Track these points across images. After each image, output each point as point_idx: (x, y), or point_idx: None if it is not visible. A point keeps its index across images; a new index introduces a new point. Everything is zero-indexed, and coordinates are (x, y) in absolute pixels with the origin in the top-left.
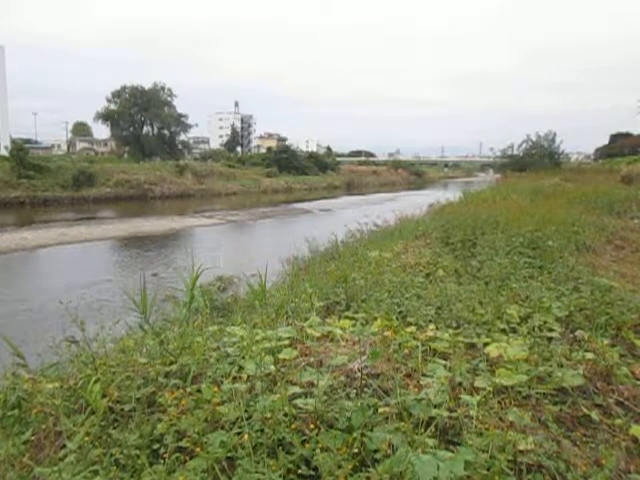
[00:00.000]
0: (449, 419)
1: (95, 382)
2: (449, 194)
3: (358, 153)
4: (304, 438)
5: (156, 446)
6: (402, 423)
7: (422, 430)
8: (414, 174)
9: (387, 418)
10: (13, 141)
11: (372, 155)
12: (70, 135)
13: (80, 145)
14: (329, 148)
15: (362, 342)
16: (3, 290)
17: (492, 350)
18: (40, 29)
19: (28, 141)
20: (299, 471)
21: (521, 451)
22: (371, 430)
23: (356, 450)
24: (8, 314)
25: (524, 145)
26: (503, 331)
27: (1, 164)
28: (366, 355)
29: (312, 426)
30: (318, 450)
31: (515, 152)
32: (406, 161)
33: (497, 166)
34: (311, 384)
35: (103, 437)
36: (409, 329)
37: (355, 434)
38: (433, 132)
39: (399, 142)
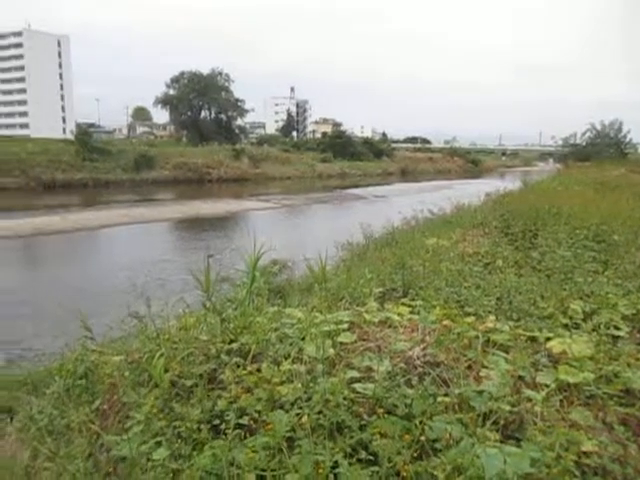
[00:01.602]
0: (510, 413)
1: (159, 357)
2: (507, 183)
3: (414, 139)
4: (362, 423)
5: (216, 422)
6: (463, 414)
7: (483, 423)
8: (470, 162)
9: (446, 408)
10: (78, 125)
11: (428, 142)
12: (130, 120)
13: (140, 129)
14: (384, 134)
15: (421, 330)
16: (70, 267)
17: (555, 345)
18: (104, 18)
19: (92, 126)
20: (357, 455)
21: (584, 452)
22: (431, 419)
23: (416, 438)
24: (75, 290)
25: (588, 134)
26: (566, 326)
27: (67, 147)
28: (426, 343)
29: (370, 411)
30: (377, 435)
31: (578, 141)
32: (462, 149)
33: (558, 155)
34: (369, 369)
35: (165, 410)
36: (468, 319)
37: (415, 422)
38: (491, 119)
39: (456, 129)
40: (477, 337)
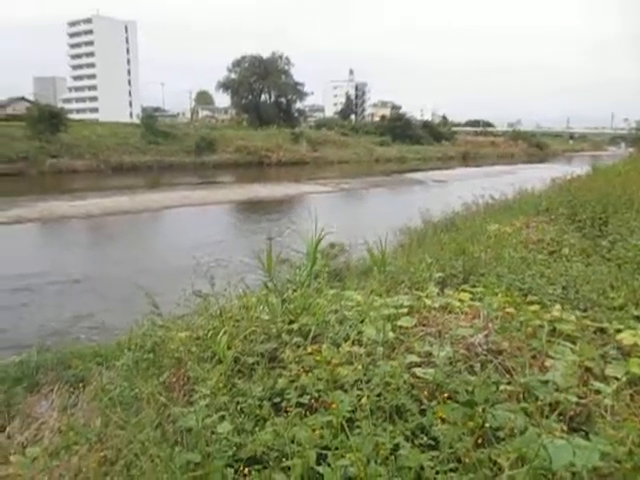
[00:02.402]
0: (577, 405)
1: (223, 334)
2: (574, 168)
3: (475, 123)
4: (422, 407)
5: (277, 399)
6: (527, 404)
7: (549, 414)
8: (535, 146)
9: (509, 397)
10: (144, 110)
11: (490, 125)
12: (193, 104)
13: (202, 113)
14: (444, 117)
15: (483, 316)
16: (136, 247)
17: (626, 337)
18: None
19: (157, 110)
20: (417, 440)
21: None
22: (493, 407)
23: (477, 425)
24: (141, 268)
25: None
26: (638, 318)
27: (134, 131)
28: (488, 330)
29: (430, 396)
30: (438, 420)
31: None
32: (527, 132)
33: (631, 139)
34: (429, 354)
35: (228, 386)
36: (532, 307)
37: (478, 409)
38: (559, 101)
39: (520, 112)
40: (542, 326)
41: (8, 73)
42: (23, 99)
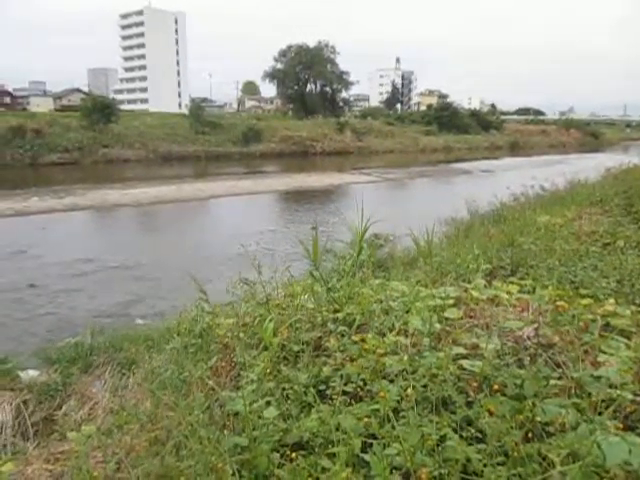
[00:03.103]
0: (632, 403)
1: (269, 321)
2: (631, 158)
3: (525, 111)
4: (469, 400)
5: (322, 387)
6: (579, 399)
7: (602, 410)
8: (589, 135)
9: (560, 392)
10: (192, 100)
11: (541, 113)
12: (240, 94)
13: (249, 103)
14: (493, 106)
15: (532, 309)
16: (184, 234)
17: None
18: None
19: (204, 100)
20: (462, 432)
21: None
22: (542, 402)
23: (526, 419)
24: (189, 255)
25: None
26: None
27: (182, 121)
28: (537, 323)
29: (477, 389)
30: (485, 413)
31: None
32: (580, 120)
33: None
34: (476, 346)
35: (273, 372)
36: (584, 301)
37: (527, 403)
38: (615, 88)
39: (573, 99)
40: (594, 320)
41: (65, 65)
42: (78, 90)
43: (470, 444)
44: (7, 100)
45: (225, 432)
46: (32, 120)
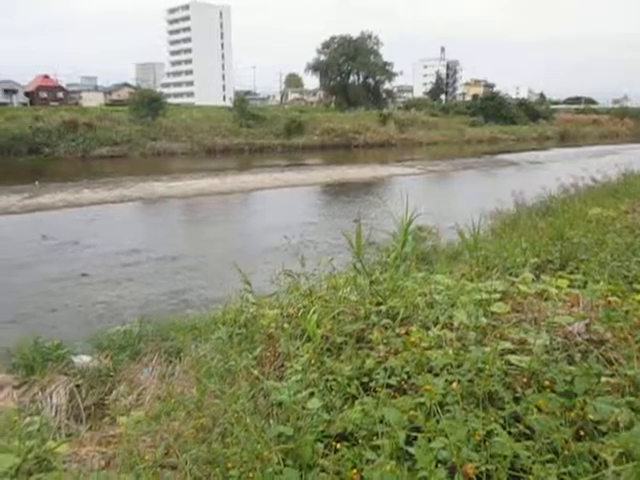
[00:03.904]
0: None
1: (313, 313)
2: None
3: (576, 100)
4: (516, 396)
5: (365, 379)
6: (633, 398)
7: None
8: None
9: (613, 389)
10: (236, 93)
11: (593, 102)
12: (283, 86)
13: (292, 96)
14: (542, 95)
15: (583, 304)
16: (228, 226)
17: None
18: None
19: (248, 93)
20: (509, 428)
21: None
22: (594, 399)
23: (577, 417)
24: (232, 247)
25: None
26: None
27: (226, 114)
28: (588, 319)
29: (524, 385)
30: (533, 410)
31: None
32: (635, 109)
33: None
34: (524, 341)
35: (317, 364)
36: (638, 297)
37: (578, 400)
38: None
39: (628, 87)
40: None
41: (115, 60)
42: (127, 85)
43: (518, 440)
44: (60, 95)
45: (270, 421)
46: (84, 115)
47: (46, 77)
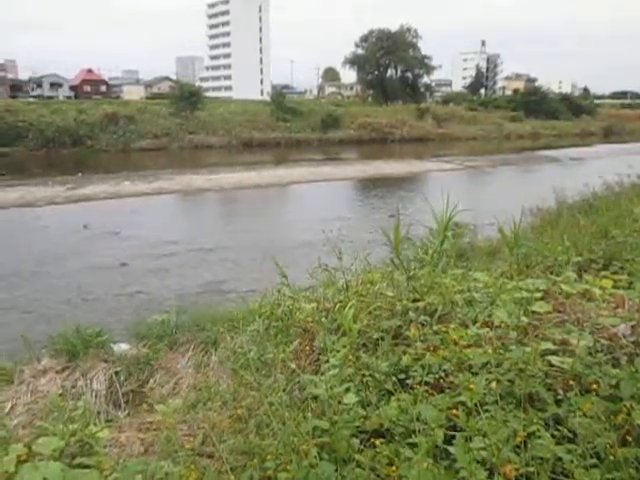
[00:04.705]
0: None
1: (350, 308)
2: None
3: (622, 94)
4: (558, 398)
5: (401, 376)
6: None
7: None
8: None
9: None
10: (273, 87)
11: None
12: (320, 80)
13: (329, 90)
14: (586, 89)
15: (629, 306)
16: (264, 219)
17: None
18: None
19: (285, 87)
20: (550, 431)
21: None
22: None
23: (623, 422)
24: (269, 240)
25: None
26: None
27: (263, 108)
28: (635, 321)
29: (566, 387)
30: (577, 413)
31: None
32: None
33: None
34: (566, 342)
35: (353, 359)
36: None
37: (624, 405)
38: None
39: None
40: None
41: (156, 54)
42: (167, 79)
43: (559, 443)
44: (103, 89)
45: (306, 415)
46: (125, 108)
47: (90, 71)
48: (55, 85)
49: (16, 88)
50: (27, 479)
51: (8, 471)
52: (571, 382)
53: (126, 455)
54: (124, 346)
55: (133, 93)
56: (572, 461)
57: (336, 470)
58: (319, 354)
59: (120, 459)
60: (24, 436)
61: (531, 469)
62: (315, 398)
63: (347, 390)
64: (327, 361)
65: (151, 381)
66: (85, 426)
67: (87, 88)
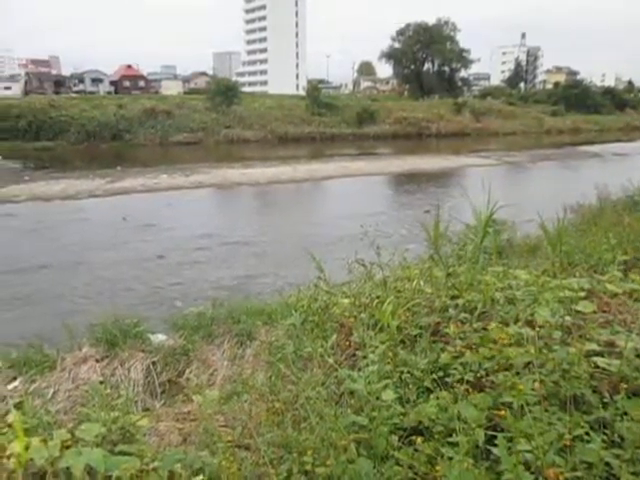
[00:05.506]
0: None
1: (388, 303)
2: None
3: None
4: (604, 401)
5: (440, 374)
6: None
7: None
8: None
9: None
10: (309, 82)
11: None
12: (356, 75)
13: (364, 84)
14: (630, 82)
15: None
16: (299, 214)
17: None
18: None
19: (321, 81)
20: (594, 434)
21: None
22: None
23: None
24: (304, 234)
25: None
26: None
27: (298, 103)
28: None
29: (612, 389)
30: (624, 417)
31: None
32: None
33: None
34: (612, 343)
35: (391, 355)
36: None
37: None
38: None
39: None
40: None
41: (194, 49)
42: (204, 74)
43: (605, 448)
44: (142, 84)
45: (345, 410)
46: (163, 102)
47: (129, 67)
48: (96, 81)
49: (59, 84)
50: (71, 464)
51: (52, 455)
52: (618, 385)
53: (165, 444)
54: (161, 337)
55: (171, 88)
56: (621, 467)
57: (374, 467)
58: (356, 349)
59: (160, 448)
60: (66, 422)
61: (578, 474)
62: (352, 393)
63: (385, 386)
64: (365, 357)
65: (187, 372)
66: (126, 414)
67: (126, 83)
